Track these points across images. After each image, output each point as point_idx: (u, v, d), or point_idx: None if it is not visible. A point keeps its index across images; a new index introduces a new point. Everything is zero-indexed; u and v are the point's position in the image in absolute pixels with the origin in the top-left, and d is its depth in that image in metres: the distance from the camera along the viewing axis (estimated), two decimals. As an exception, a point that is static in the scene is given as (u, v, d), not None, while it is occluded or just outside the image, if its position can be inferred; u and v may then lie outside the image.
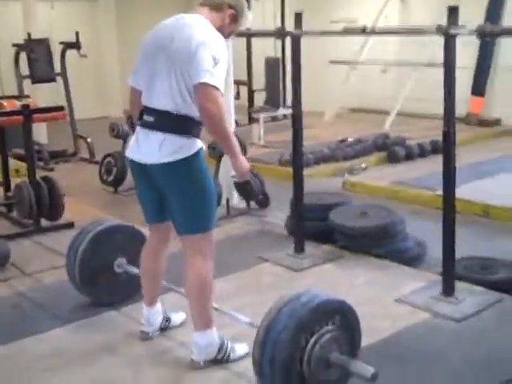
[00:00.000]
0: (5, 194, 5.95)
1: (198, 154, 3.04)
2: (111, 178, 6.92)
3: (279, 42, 10.51)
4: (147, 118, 3.09)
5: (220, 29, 3.10)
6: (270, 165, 7.72)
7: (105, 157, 7.14)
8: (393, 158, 8.02)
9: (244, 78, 10.18)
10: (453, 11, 3.41)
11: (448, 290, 3.86)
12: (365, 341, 2.99)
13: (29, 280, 4.45)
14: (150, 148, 3.06)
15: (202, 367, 3.17)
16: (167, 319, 3.57)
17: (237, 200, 6.17)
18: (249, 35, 7.18)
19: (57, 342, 3.55)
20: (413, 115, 10.45)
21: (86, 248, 3.81)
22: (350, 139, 8.58)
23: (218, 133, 3.00)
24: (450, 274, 3.86)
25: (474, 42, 9.51)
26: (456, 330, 3.55)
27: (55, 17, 11.21)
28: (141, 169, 3.16)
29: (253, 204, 6.10)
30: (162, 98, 3.02)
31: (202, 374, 3.15)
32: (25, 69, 8.35)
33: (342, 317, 2.83)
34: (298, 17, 4.13)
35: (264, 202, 6.14)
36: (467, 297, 3.87)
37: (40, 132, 8.94)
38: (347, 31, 4.37)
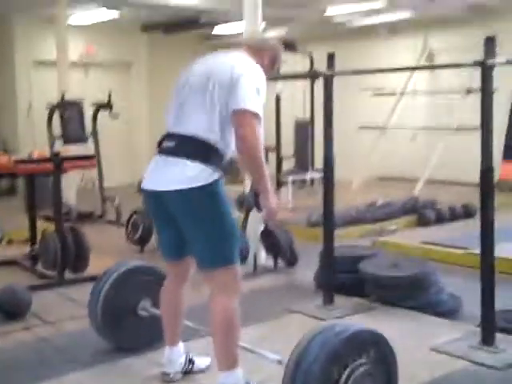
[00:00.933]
0: (31, 248, 5.91)
1: (216, 182, 2.94)
2: (137, 235, 6.86)
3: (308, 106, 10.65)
4: (168, 143, 3.02)
5: None
6: (299, 226, 7.60)
7: (131, 215, 7.09)
8: (423, 221, 7.85)
9: (272, 143, 10.21)
10: (489, 41, 3.37)
11: (488, 339, 3.65)
12: (402, 388, 2.82)
13: (50, 328, 4.34)
14: (166, 175, 2.97)
15: (226, 410, 3.00)
16: (190, 361, 3.42)
17: (264, 257, 6.04)
18: (282, 77, 7.21)
19: (77, 385, 3.42)
20: (443, 182, 10.35)
21: (109, 288, 3.72)
22: (380, 202, 8.47)
23: (252, 162, 2.90)
24: (490, 321, 3.67)
25: (505, 103, 9.60)
26: (497, 378, 3.35)
27: (88, 84, 11.45)
28: (156, 199, 3.05)
29: (280, 264, 5.96)
30: (193, 123, 2.95)
31: (226, 417, 2.98)
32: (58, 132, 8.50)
33: (378, 350, 2.67)
34: (331, 58, 4.13)
35: (292, 260, 5.98)
36: (508, 347, 3.67)
37: (69, 194, 8.99)
38: (381, 71, 4.30)
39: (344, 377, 2.55)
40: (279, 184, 9.62)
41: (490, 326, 3.67)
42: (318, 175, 10.02)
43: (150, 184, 3.07)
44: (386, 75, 11.11)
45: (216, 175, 2.94)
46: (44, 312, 4.62)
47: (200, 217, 2.93)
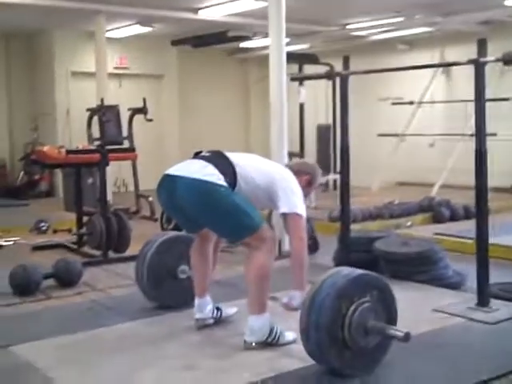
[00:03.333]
0: (77, 231, 6.52)
1: (223, 186, 3.53)
2: (171, 226, 7.43)
3: (330, 112, 11.20)
4: (204, 153, 3.73)
5: None
6: (321, 221, 8.11)
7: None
8: (438, 219, 8.32)
9: (296, 149, 10.74)
10: (482, 42, 3.91)
11: (483, 301, 4.18)
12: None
13: (100, 293, 4.98)
14: (188, 166, 3.64)
15: (253, 347, 3.55)
16: (218, 308, 3.99)
17: (288, 243, 6.54)
18: (302, 78, 7.77)
19: (123, 331, 4.01)
20: (459, 187, 10.77)
21: (153, 254, 4.30)
22: (397, 201, 8.95)
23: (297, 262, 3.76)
24: (485, 285, 4.19)
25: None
26: (487, 330, 3.88)
27: (122, 94, 12.06)
28: (170, 185, 3.65)
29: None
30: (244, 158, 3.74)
31: (253, 352, 3.53)
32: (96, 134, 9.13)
33: (379, 292, 3.21)
34: (346, 59, 4.69)
35: (313, 247, 6.50)
36: (501, 307, 4.19)
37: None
38: (392, 70, 4.80)
39: (350, 311, 3.09)
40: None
41: (484, 289, 4.19)
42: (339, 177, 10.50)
43: (169, 171, 3.72)
44: (404, 86, 11.63)
45: (225, 184, 3.54)
46: (93, 282, 5.24)
47: (206, 204, 3.52)
